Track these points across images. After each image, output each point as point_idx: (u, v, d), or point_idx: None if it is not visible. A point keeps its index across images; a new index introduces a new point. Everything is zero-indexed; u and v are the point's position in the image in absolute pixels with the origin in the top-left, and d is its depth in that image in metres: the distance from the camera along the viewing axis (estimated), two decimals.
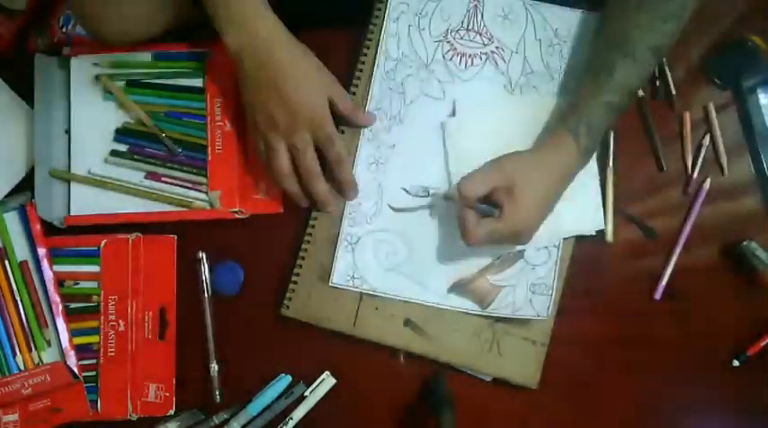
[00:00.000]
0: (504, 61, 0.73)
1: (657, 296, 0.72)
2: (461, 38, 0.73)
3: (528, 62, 0.73)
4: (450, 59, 0.73)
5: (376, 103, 0.72)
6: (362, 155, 0.71)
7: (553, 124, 0.68)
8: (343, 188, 0.70)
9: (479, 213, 0.63)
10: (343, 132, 0.71)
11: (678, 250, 0.72)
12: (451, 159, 0.71)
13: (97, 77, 0.74)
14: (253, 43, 0.64)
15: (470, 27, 0.73)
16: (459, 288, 0.69)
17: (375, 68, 0.72)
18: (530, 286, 0.70)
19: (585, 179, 0.69)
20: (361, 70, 0.73)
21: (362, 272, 0.70)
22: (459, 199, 0.62)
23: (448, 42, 0.73)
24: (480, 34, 0.73)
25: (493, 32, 0.73)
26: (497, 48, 0.73)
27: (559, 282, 0.70)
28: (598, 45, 0.67)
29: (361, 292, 0.70)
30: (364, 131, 0.71)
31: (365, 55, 0.73)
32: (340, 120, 0.69)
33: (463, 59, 0.73)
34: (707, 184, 0.72)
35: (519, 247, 0.69)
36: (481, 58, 0.73)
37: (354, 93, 0.72)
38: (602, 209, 0.71)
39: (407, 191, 0.69)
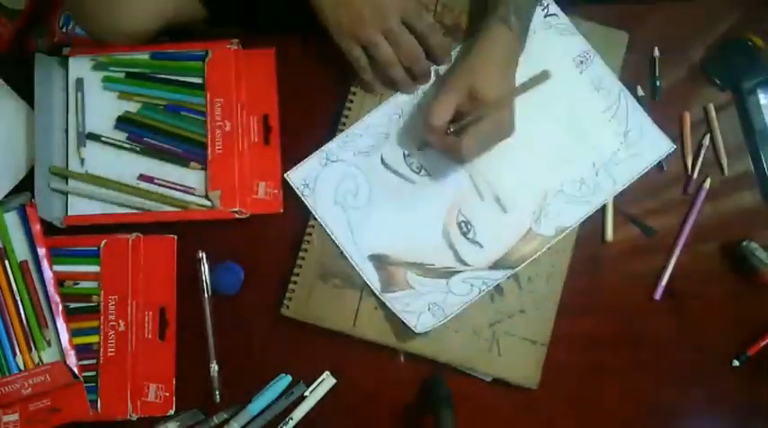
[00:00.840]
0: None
1: (657, 296, 0.72)
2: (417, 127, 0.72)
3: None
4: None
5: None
6: (395, 101, 0.72)
7: (483, 19, 0.68)
8: (437, 54, 0.71)
9: (457, 132, 0.64)
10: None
11: (678, 250, 0.72)
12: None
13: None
14: None
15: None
16: (378, 261, 0.70)
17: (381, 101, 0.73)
18: (431, 303, 0.70)
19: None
20: (351, 101, 0.73)
21: (317, 188, 0.71)
22: (432, 133, 0.64)
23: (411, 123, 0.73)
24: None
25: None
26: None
27: (454, 318, 0.69)
28: None
29: (361, 292, 0.70)
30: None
31: (356, 86, 0.73)
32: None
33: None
34: (707, 184, 0.72)
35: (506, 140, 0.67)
36: None
37: (344, 124, 0.72)
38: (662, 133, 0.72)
39: (405, 157, 0.71)
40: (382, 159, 0.71)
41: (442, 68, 0.73)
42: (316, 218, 0.71)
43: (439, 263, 0.70)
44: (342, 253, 0.70)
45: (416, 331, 0.69)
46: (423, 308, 0.69)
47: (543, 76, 0.60)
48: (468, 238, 0.70)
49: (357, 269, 0.70)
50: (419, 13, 0.69)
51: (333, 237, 0.70)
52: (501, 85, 0.65)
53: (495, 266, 0.70)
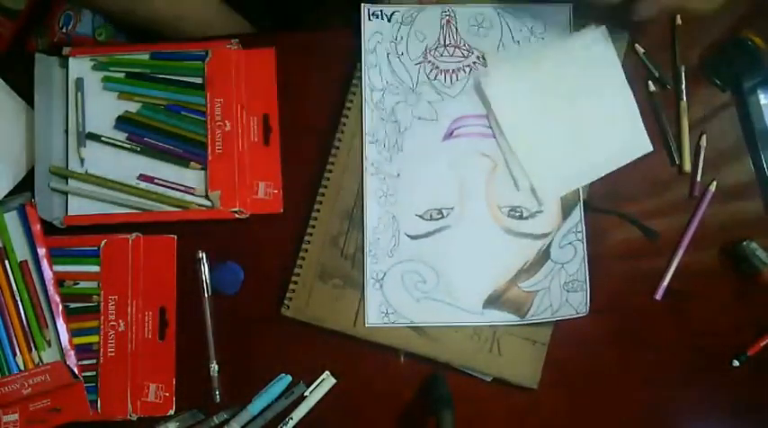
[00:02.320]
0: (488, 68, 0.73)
1: (658, 296, 0.72)
2: (441, 55, 0.73)
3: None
4: (435, 79, 0.72)
5: (371, 136, 0.72)
6: (370, 189, 0.71)
7: None
8: None
9: None
10: (337, 147, 0.71)
11: (681, 251, 0.72)
12: (498, 113, 0.71)
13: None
14: None
15: (448, 43, 0.73)
16: (493, 302, 0.70)
17: (363, 102, 0.72)
18: (563, 285, 0.70)
19: (622, 104, 0.71)
20: (351, 101, 0.73)
21: (396, 307, 0.70)
22: None
23: (429, 62, 0.73)
24: (459, 47, 0.73)
25: (471, 43, 0.73)
26: (478, 57, 0.73)
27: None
28: None
29: (361, 292, 0.70)
30: (367, 166, 0.71)
31: (355, 85, 0.73)
32: None
33: (447, 76, 0.72)
34: (713, 187, 0.72)
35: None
36: (465, 71, 0.73)
37: (345, 124, 0.72)
38: (644, 131, 0.72)
39: (422, 217, 0.70)
40: (409, 236, 0.70)
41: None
42: (413, 323, 0.70)
43: (530, 255, 0.70)
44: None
45: (585, 313, 0.69)
46: (563, 295, 0.70)
47: None
48: (525, 218, 0.70)
49: (489, 325, 0.69)
50: None
51: (448, 325, 0.70)
52: None
53: (565, 214, 0.71)
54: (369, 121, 0.72)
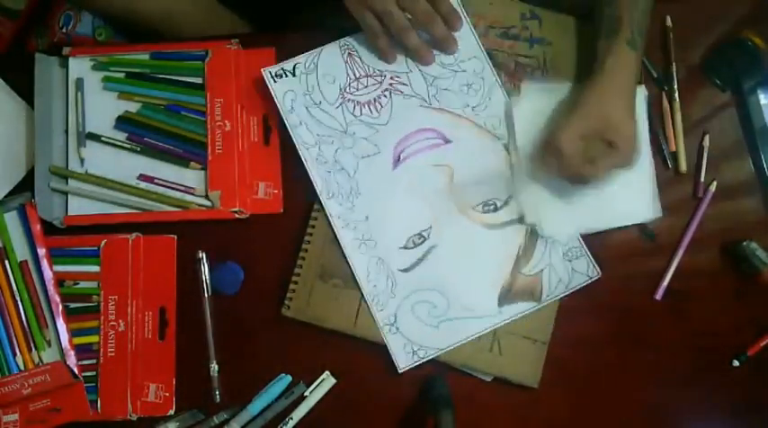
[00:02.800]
0: (407, 84, 0.72)
1: (658, 296, 0.72)
2: (357, 89, 0.72)
3: (425, 73, 0.72)
4: (361, 114, 0.72)
5: (327, 193, 0.71)
6: (347, 243, 0.70)
7: (604, 44, 0.67)
8: (449, 20, 0.70)
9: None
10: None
11: (681, 251, 0.72)
12: (519, 145, 0.71)
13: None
14: None
15: (358, 75, 0.72)
16: (506, 297, 0.70)
17: (305, 163, 0.71)
18: (563, 256, 0.70)
19: (640, 166, 0.69)
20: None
21: (419, 342, 0.69)
22: (561, 158, 0.64)
23: (349, 101, 0.72)
24: (370, 76, 0.73)
25: (378, 67, 0.73)
26: (392, 78, 0.72)
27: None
28: None
29: (361, 293, 0.70)
30: (335, 223, 0.70)
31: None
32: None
33: (371, 107, 0.72)
34: (713, 187, 0.72)
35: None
36: (386, 96, 0.72)
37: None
38: (657, 196, 0.71)
39: (406, 248, 0.70)
40: (401, 270, 0.70)
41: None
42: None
43: (522, 241, 0.70)
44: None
45: (597, 276, 0.70)
46: (567, 266, 0.70)
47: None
48: (502, 208, 0.71)
49: (509, 320, 0.69)
50: None
51: (476, 336, 0.69)
52: (630, 110, 0.65)
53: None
54: (318, 179, 0.71)
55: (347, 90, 0.72)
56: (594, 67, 0.67)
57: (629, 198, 0.71)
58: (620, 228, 0.72)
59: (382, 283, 0.70)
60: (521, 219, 0.71)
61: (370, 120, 0.72)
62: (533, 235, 0.70)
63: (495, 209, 0.71)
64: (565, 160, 0.65)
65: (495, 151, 0.72)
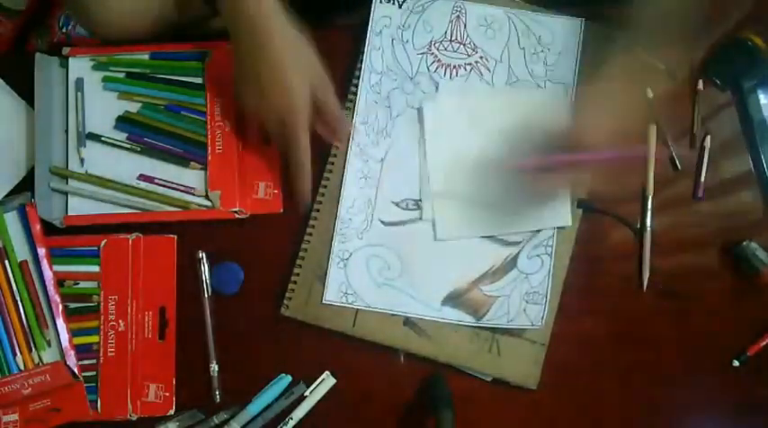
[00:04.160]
0: (489, 70, 0.73)
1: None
2: (445, 49, 0.73)
3: (512, 71, 0.73)
4: (435, 71, 0.72)
5: (363, 117, 0.72)
6: (351, 169, 0.71)
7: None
8: (335, 128, 0.70)
9: None
10: (337, 148, 0.72)
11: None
12: (429, 144, 0.71)
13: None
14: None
15: (454, 38, 0.73)
16: (452, 300, 0.70)
17: (360, 82, 0.72)
18: (524, 295, 0.70)
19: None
20: (351, 100, 0.72)
21: (355, 288, 0.70)
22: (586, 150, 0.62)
23: (432, 54, 0.73)
24: (464, 44, 0.73)
25: (476, 42, 0.73)
26: (481, 58, 0.73)
27: (554, 291, 0.70)
28: None
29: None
30: (352, 146, 0.71)
31: (355, 85, 0.73)
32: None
33: (447, 70, 0.73)
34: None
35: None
36: (465, 69, 0.73)
37: (349, 108, 0.72)
38: (569, 204, 0.71)
39: (398, 205, 0.69)
40: (381, 222, 0.71)
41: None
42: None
43: (497, 261, 0.70)
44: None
45: (540, 326, 0.69)
46: (522, 305, 0.70)
47: None
48: None
49: (443, 321, 0.69)
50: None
51: (403, 314, 0.70)
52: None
53: (538, 232, 0.71)
54: (362, 102, 0.72)
55: (437, 45, 0.73)
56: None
57: (544, 204, 0.70)
58: (618, 229, 0.72)
59: (358, 222, 0.71)
60: (511, 243, 0.70)
61: (439, 80, 0.72)
62: (511, 262, 0.70)
63: None
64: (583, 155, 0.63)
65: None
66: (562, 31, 0.73)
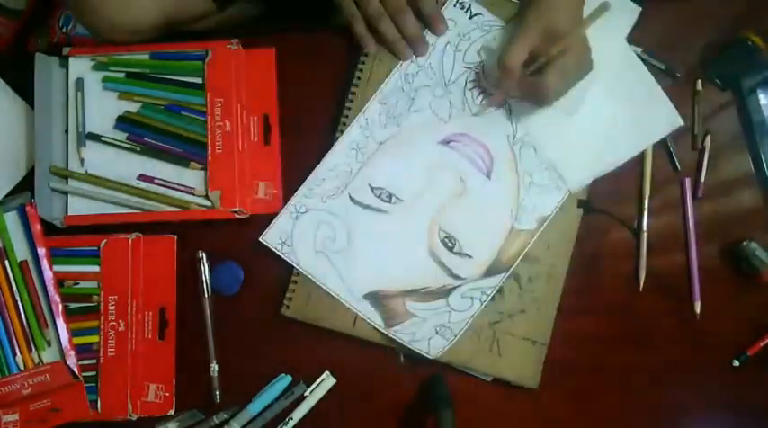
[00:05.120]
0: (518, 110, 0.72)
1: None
2: (492, 76, 0.71)
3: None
4: (471, 89, 0.72)
5: (383, 97, 0.72)
6: (348, 137, 0.71)
7: None
8: (430, 22, 0.71)
9: (534, 73, 0.64)
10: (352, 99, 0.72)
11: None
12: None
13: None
14: None
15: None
16: (374, 298, 0.70)
17: (398, 65, 0.72)
18: (437, 326, 0.69)
19: (636, 79, 0.70)
20: (351, 100, 0.72)
21: (295, 243, 0.70)
22: (509, 75, 0.64)
23: (476, 73, 0.72)
24: None
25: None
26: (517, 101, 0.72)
27: (465, 334, 0.69)
28: None
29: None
30: (360, 118, 0.71)
31: (356, 85, 0.72)
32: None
33: (482, 95, 0.72)
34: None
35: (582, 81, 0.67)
36: (497, 103, 0.72)
37: (345, 124, 0.72)
38: (671, 105, 0.71)
39: (373, 190, 0.70)
40: (350, 197, 0.71)
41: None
42: (299, 272, 0.70)
43: (434, 284, 0.70)
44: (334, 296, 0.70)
45: (431, 357, 0.69)
46: (430, 333, 0.69)
47: (603, 8, 0.62)
48: (455, 253, 0.70)
49: (355, 311, 0.69)
50: None
51: (323, 287, 0.70)
52: (577, 20, 0.64)
53: (489, 273, 0.70)
54: (391, 83, 0.72)
55: (485, 70, 0.72)
56: None
57: (648, 114, 0.70)
58: (618, 229, 0.72)
59: (330, 186, 0.71)
60: (455, 276, 0.70)
61: (470, 100, 0.72)
62: (444, 293, 0.69)
63: (450, 250, 0.70)
64: (511, 77, 0.64)
65: (500, 219, 0.70)
66: None
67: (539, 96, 0.66)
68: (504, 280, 0.70)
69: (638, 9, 0.71)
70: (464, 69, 0.72)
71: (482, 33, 0.72)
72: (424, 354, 0.69)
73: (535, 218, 0.70)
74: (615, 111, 0.71)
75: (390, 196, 0.70)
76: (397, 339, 0.69)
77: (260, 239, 0.70)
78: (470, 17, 0.72)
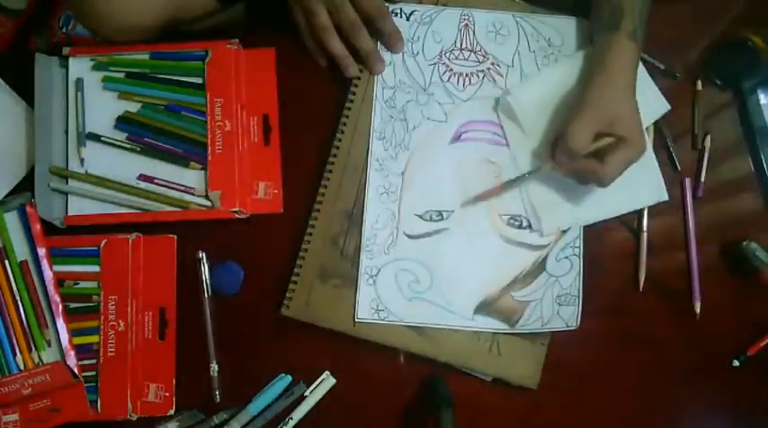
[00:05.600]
0: (502, 76, 0.73)
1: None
2: (456, 58, 0.73)
3: (525, 75, 0.73)
4: (448, 80, 0.72)
5: (379, 133, 0.72)
6: (372, 185, 0.71)
7: (605, 38, 0.66)
8: (390, 40, 0.71)
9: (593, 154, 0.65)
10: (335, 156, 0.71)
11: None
12: (525, 129, 0.71)
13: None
14: None
15: (464, 46, 0.73)
16: (484, 308, 0.70)
17: (374, 99, 0.72)
18: (555, 298, 0.70)
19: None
20: (351, 100, 0.72)
21: (386, 304, 0.69)
22: (572, 157, 0.64)
23: (443, 64, 0.73)
24: (474, 52, 0.73)
25: (487, 49, 0.73)
26: (493, 64, 0.73)
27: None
28: None
29: (355, 287, 0.70)
30: (371, 162, 0.71)
31: (356, 85, 0.73)
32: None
33: (461, 79, 0.72)
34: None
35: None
36: (478, 76, 0.73)
37: (345, 124, 0.72)
38: (661, 179, 0.71)
39: (421, 217, 0.70)
40: (407, 235, 0.70)
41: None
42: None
43: (526, 265, 0.70)
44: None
45: (575, 327, 0.70)
46: (554, 308, 0.70)
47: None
48: (525, 228, 0.70)
49: (478, 330, 0.69)
50: None
51: (438, 326, 0.69)
52: (633, 104, 0.65)
53: (563, 232, 0.71)
54: (378, 118, 0.72)
55: (447, 55, 0.73)
56: (596, 62, 0.66)
57: (637, 182, 0.70)
58: (618, 229, 0.72)
59: (383, 237, 0.70)
60: (538, 247, 0.70)
61: (453, 90, 0.72)
62: (540, 266, 0.70)
63: (520, 227, 0.70)
64: (578, 159, 0.64)
65: (541, 176, 0.71)
66: (570, 31, 0.73)
67: (593, 179, 0.65)
68: (582, 230, 0.70)
69: (667, 107, 0.72)
70: (431, 66, 0.73)
71: (425, 27, 0.73)
72: (567, 328, 0.69)
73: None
74: None
75: (440, 213, 0.70)
76: (529, 331, 0.69)
77: (356, 320, 0.69)
78: (407, 19, 0.73)
